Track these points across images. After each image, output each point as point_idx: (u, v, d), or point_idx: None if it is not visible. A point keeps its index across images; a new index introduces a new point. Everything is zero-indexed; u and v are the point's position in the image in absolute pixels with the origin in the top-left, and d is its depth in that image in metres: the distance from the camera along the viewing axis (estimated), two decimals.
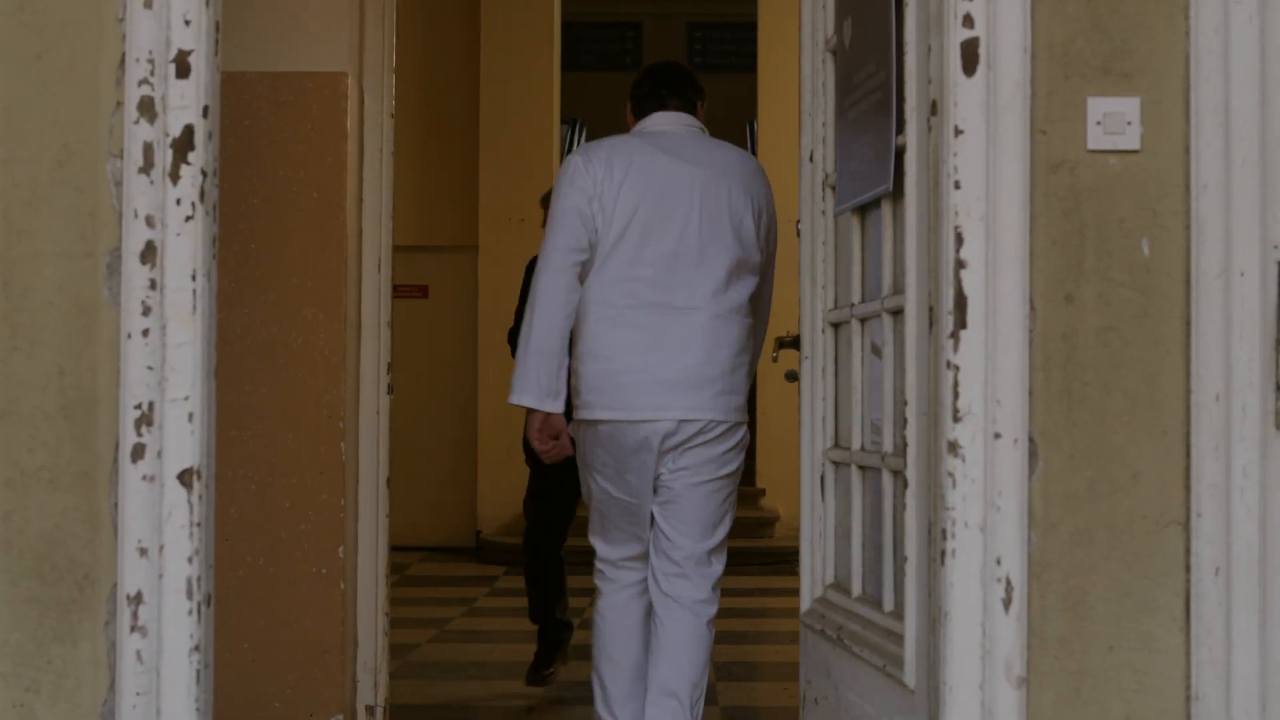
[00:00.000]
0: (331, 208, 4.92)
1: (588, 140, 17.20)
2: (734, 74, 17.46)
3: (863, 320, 3.87)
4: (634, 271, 4.47)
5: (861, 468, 3.86)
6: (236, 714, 4.88)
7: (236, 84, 4.81)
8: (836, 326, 4.08)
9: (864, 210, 3.85)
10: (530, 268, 5.50)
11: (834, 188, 4.02)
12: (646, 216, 4.47)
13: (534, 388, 4.46)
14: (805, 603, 4.17)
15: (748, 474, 9.29)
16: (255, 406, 4.91)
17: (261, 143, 4.88)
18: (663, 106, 4.68)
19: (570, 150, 17.09)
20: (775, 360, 5.02)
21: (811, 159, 4.16)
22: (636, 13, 19.22)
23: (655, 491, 4.53)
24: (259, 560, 4.93)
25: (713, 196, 4.53)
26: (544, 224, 4.73)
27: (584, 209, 4.47)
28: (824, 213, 4.11)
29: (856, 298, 3.91)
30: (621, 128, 4.81)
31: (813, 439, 4.15)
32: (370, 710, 5.20)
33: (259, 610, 4.93)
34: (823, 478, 4.10)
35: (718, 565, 4.61)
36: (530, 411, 4.51)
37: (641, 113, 4.72)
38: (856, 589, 3.87)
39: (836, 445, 4.07)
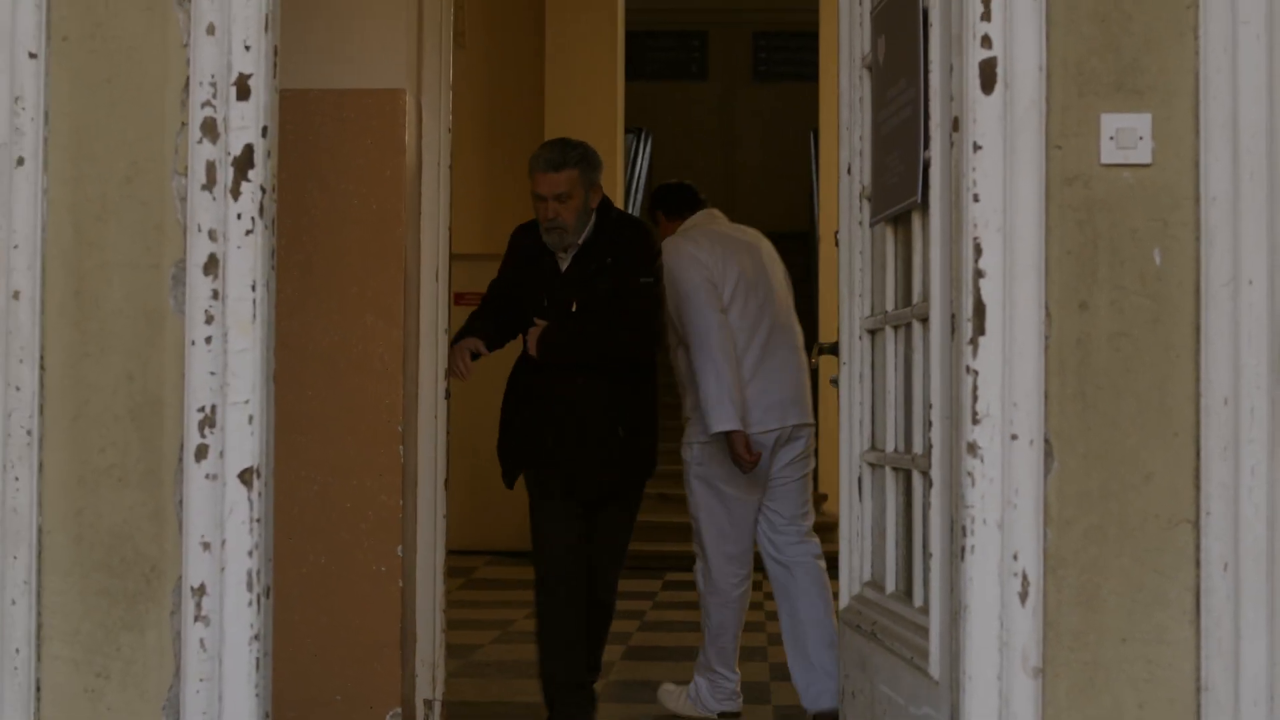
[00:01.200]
0: (390, 220, 5.09)
1: (652, 147, 17.42)
2: (799, 82, 17.60)
3: (896, 327, 4.02)
4: (744, 322, 5.86)
5: (895, 469, 4.01)
6: (299, 706, 5.06)
7: (300, 101, 5.00)
8: (873, 333, 4.23)
9: (897, 221, 4.00)
10: (518, 235, 5.77)
11: (870, 199, 4.18)
12: (747, 281, 5.91)
13: (731, 415, 5.69)
14: (844, 600, 4.31)
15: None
16: (316, 411, 5.09)
17: (323, 157, 5.06)
18: (698, 208, 6.19)
19: (635, 159, 17.26)
20: (815, 364, 5.23)
21: (849, 171, 4.31)
22: (702, 21, 19.38)
23: (766, 486, 5.91)
24: (320, 559, 5.10)
25: (774, 259, 6.10)
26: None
27: (709, 278, 5.82)
28: (861, 223, 4.26)
29: (891, 305, 4.06)
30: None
31: (850, 442, 4.30)
32: (429, 704, 5.37)
33: (321, 607, 5.11)
34: (860, 479, 4.25)
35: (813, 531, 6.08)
36: (732, 434, 5.69)
37: (682, 213, 6.19)
38: (890, 586, 4.02)
39: (873, 448, 4.22)
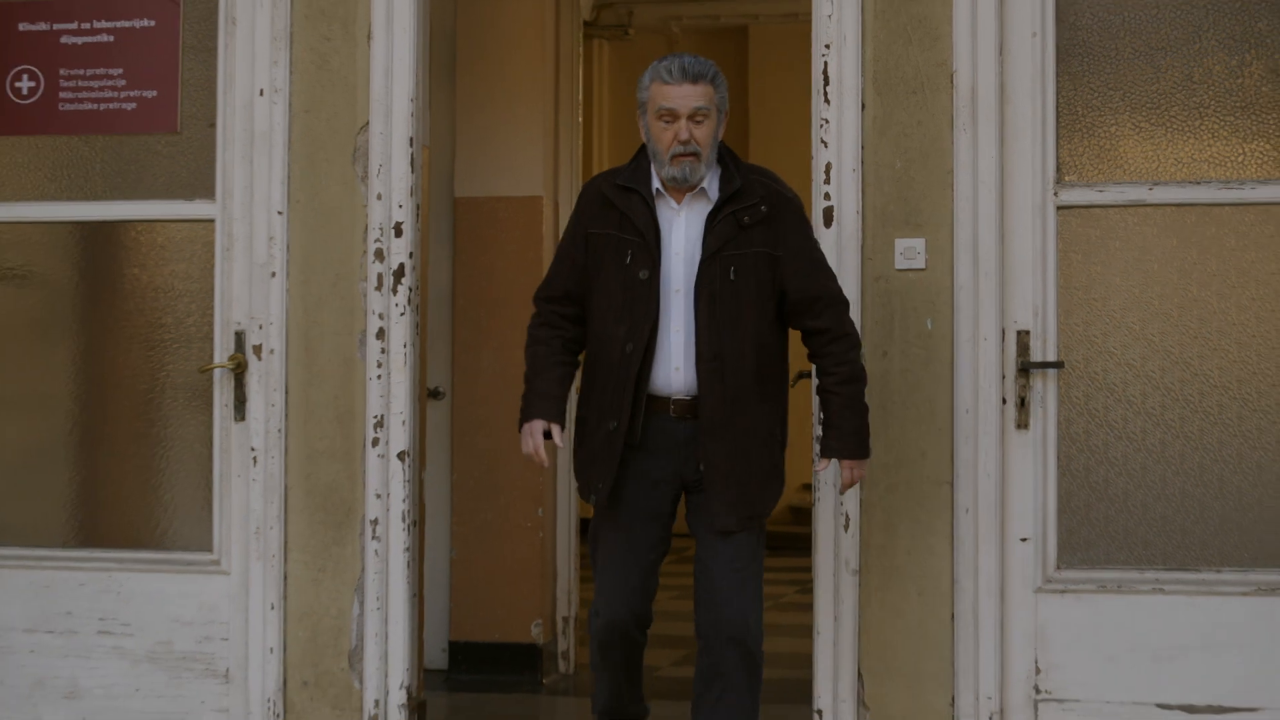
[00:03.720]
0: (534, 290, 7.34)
1: None
2: None
3: None
4: None
5: None
6: (475, 613, 7.26)
7: (469, 205, 7.31)
8: None
9: None
10: (597, 184, 4.73)
11: None
12: None
13: None
14: None
15: None
16: (485, 416, 7.29)
17: (482, 246, 7.34)
18: None
19: None
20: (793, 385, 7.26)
21: None
22: None
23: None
24: (487, 515, 7.28)
25: None
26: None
27: None
28: None
29: None
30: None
31: None
32: (565, 620, 7.58)
33: (488, 549, 7.26)
34: None
35: None
36: None
37: None
38: None
39: None
